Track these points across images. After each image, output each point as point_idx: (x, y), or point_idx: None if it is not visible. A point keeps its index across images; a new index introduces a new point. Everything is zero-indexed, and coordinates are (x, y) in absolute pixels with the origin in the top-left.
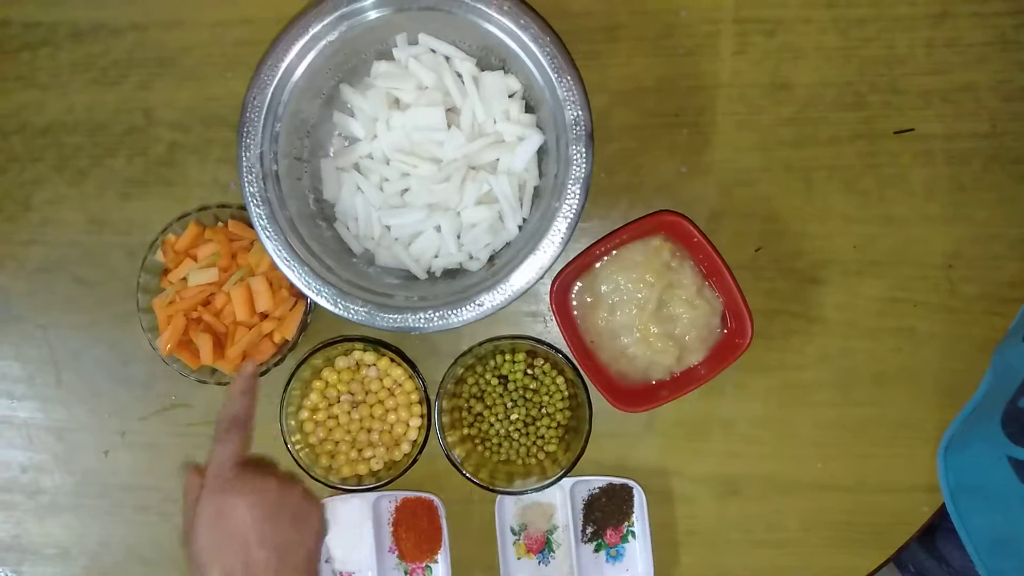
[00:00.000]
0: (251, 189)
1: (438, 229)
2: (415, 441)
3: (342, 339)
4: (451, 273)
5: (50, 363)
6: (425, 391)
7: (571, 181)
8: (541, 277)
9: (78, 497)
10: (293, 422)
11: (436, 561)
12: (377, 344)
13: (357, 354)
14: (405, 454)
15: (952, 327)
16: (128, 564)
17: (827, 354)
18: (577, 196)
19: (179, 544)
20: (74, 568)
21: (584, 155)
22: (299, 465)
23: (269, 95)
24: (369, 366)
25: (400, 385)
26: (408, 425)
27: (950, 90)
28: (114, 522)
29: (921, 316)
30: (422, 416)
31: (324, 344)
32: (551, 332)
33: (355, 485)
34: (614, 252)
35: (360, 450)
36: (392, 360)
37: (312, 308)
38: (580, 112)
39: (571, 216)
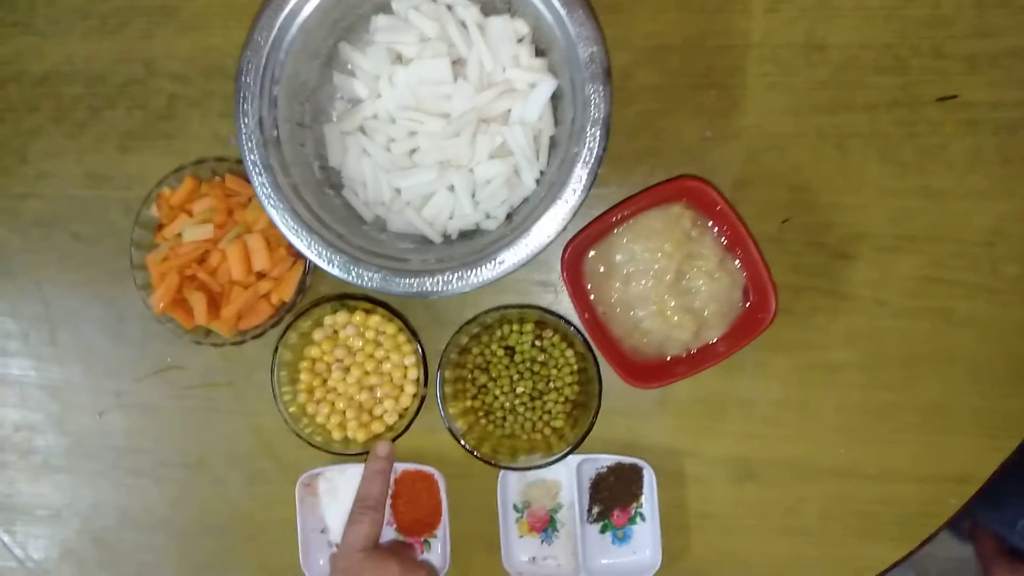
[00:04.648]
0: (252, 157)
1: (451, 189)
2: (417, 379)
3: (311, 305)
4: (468, 234)
5: (45, 320)
6: (407, 325)
7: (589, 124)
8: (563, 229)
9: (71, 458)
10: (294, 408)
11: (435, 536)
12: (343, 299)
13: (329, 319)
14: (412, 395)
15: (991, 308)
16: (120, 528)
17: (855, 334)
18: (597, 139)
19: (172, 510)
20: (66, 530)
21: (602, 94)
22: (315, 447)
23: (264, 57)
24: (345, 326)
25: (383, 332)
26: (405, 366)
27: (1000, 54)
28: (107, 485)
29: (958, 296)
30: (414, 352)
31: (290, 324)
32: (562, 303)
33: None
34: (631, 219)
35: (369, 411)
36: (366, 311)
37: (311, 269)
38: (595, 48)
39: (592, 161)
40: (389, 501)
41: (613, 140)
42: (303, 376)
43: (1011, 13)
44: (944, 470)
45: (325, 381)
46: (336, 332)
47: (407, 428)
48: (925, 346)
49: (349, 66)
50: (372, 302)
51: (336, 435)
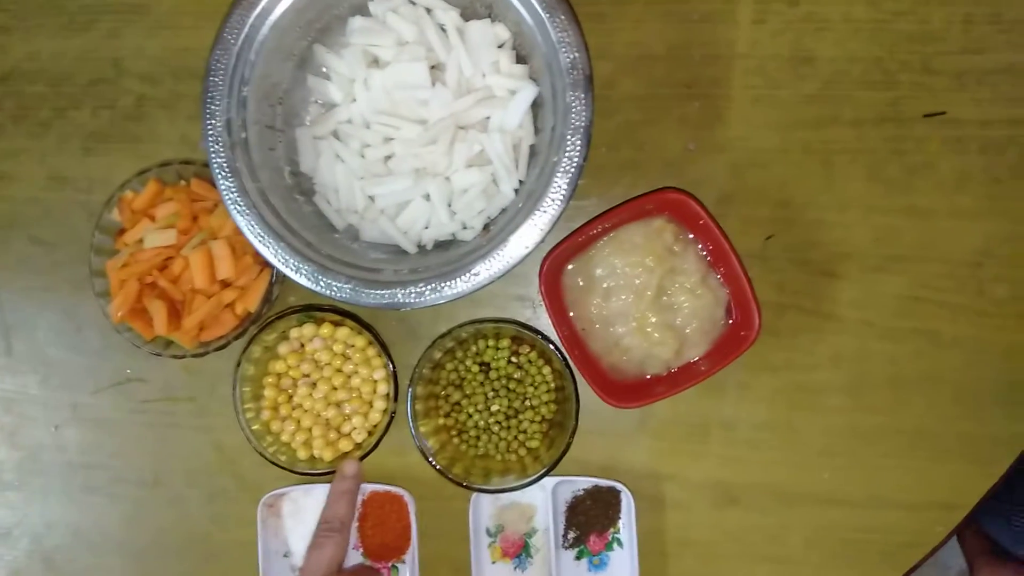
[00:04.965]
0: (218, 159)
1: (427, 197)
2: (387, 394)
3: (275, 317)
4: (443, 245)
5: (0, 328)
6: (376, 338)
7: (570, 132)
8: (541, 240)
9: (23, 474)
10: (257, 426)
11: (403, 561)
12: (310, 311)
13: (295, 332)
14: (382, 411)
15: (979, 331)
16: (73, 548)
17: (840, 355)
18: (578, 148)
19: (127, 530)
20: (15, 551)
21: (583, 101)
22: (280, 466)
23: (234, 56)
24: (312, 339)
25: (352, 345)
26: (375, 380)
27: (988, 71)
28: (60, 502)
29: (945, 318)
30: (384, 366)
31: (253, 337)
32: (540, 319)
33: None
34: (611, 232)
35: (337, 428)
36: (334, 324)
37: (279, 278)
38: (577, 54)
39: (572, 171)
40: (356, 524)
41: (594, 151)
42: (267, 392)
43: (1000, 30)
44: (931, 497)
45: (291, 397)
46: (302, 346)
47: (376, 446)
48: (911, 369)
49: (323, 69)
50: (340, 314)
51: (302, 454)
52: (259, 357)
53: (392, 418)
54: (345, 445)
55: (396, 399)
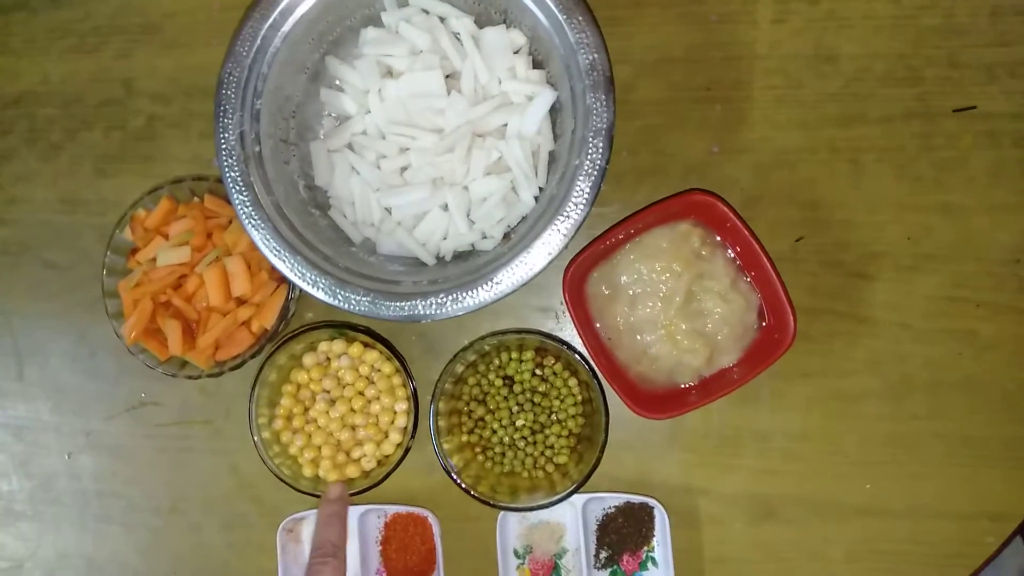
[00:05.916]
0: (232, 173)
1: (444, 207)
2: (405, 428)
3: (307, 328)
4: (463, 255)
5: (12, 354)
6: (406, 369)
7: (591, 134)
8: (565, 246)
9: (36, 504)
10: (267, 434)
11: None
12: (343, 328)
13: (324, 345)
14: (397, 444)
15: (1020, 330)
16: None
17: (877, 359)
18: (600, 150)
19: (143, 561)
20: None
21: (604, 103)
22: (282, 480)
23: (247, 69)
24: (339, 356)
25: (378, 370)
26: (395, 412)
27: (1018, 63)
28: (74, 532)
29: (984, 318)
30: (407, 399)
31: (282, 343)
32: (564, 329)
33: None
34: (636, 238)
35: (347, 452)
36: (365, 344)
37: (296, 294)
38: (596, 55)
39: (595, 174)
40: (378, 548)
41: (615, 157)
42: (284, 400)
43: None
44: (978, 506)
45: (307, 410)
46: (329, 360)
47: (385, 478)
48: (951, 372)
49: (337, 81)
50: (372, 336)
51: (307, 471)
52: (283, 364)
53: (406, 454)
54: (352, 471)
55: (414, 435)
